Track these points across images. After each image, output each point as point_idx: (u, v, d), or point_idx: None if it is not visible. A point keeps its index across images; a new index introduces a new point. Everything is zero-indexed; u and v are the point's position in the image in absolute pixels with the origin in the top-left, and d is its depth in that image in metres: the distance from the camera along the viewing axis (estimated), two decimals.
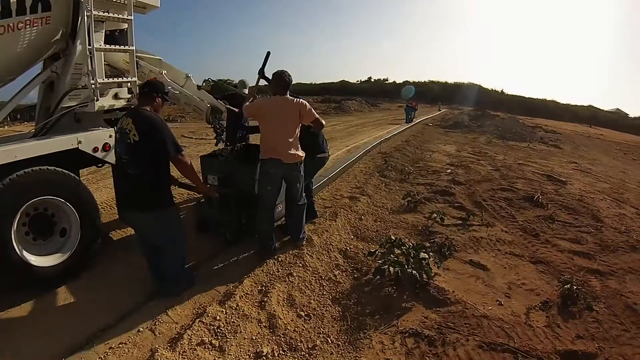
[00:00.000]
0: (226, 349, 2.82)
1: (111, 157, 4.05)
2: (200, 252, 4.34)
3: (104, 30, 4.20)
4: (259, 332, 3.01)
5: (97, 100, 3.95)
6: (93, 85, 3.87)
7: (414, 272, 3.53)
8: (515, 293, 3.70)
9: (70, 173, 3.76)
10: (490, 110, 37.79)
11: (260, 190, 4.24)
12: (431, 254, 3.90)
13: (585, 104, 66.13)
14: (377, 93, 61.70)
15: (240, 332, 2.99)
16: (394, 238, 4.12)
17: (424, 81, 75.75)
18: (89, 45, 3.77)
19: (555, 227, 5.53)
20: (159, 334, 3.02)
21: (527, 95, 68.29)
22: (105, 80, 4.07)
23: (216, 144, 5.33)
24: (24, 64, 4.00)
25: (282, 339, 2.95)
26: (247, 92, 5.91)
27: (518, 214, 6.05)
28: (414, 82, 70.91)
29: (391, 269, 3.57)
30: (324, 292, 3.61)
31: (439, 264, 3.96)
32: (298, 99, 4.12)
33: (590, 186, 8.62)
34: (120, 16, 4.08)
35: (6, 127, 17.70)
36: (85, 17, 3.72)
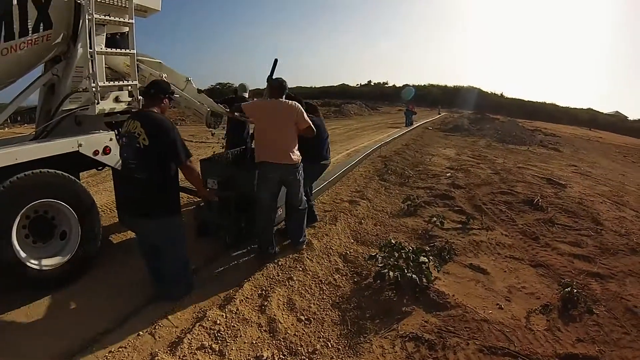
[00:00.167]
0: (226, 353, 2.81)
1: (111, 160, 4.06)
2: (200, 255, 4.32)
3: (105, 34, 4.20)
4: (259, 336, 3.01)
5: (98, 103, 3.95)
6: (94, 89, 3.87)
7: (414, 276, 3.53)
8: (516, 297, 3.70)
9: (70, 176, 3.76)
10: (489, 113, 37.89)
11: (257, 194, 4.24)
12: (431, 257, 3.91)
13: (585, 107, 66.32)
14: (376, 96, 61.94)
15: (241, 336, 2.98)
16: (394, 242, 4.12)
17: (424, 84, 75.99)
18: (90, 48, 3.76)
19: (555, 230, 5.54)
20: (159, 337, 3.01)
21: (526, 99, 68.51)
22: (106, 83, 4.07)
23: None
24: (25, 68, 4.00)
25: (282, 343, 2.94)
26: (247, 96, 5.93)
27: (518, 217, 6.05)
28: (413, 85, 71.07)
29: (391, 273, 3.57)
30: (324, 296, 3.61)
31: (439, 268, 3.97)
32: (294, 102, 4.15)
33: (590, 189, 8.64)
34: (122, 20, 4.08)
35: (6, 128, 17.72)
36: (87, 21, 3.71)
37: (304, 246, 4.52)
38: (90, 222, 3.88)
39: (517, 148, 15.90)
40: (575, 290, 3.57)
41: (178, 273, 3.53)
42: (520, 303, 3.58)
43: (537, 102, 67.33)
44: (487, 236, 5.13)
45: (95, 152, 3.93)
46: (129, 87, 4.34)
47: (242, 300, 3.44)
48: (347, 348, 2.92)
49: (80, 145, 3.79)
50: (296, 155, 4.13)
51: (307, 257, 4.28)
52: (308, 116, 4.21)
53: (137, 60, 4.39)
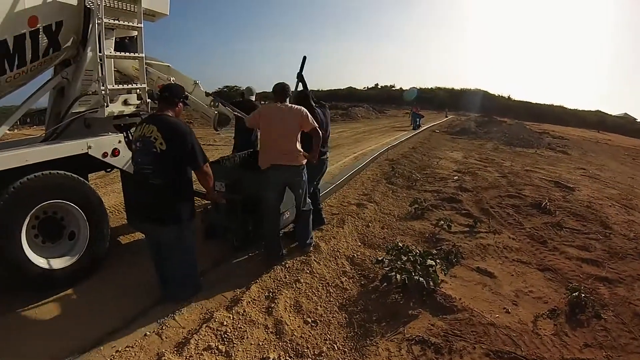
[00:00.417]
0: (233, 354, 2.82)
1: (120, 162, 4.10)
2: (208, 257, 4.34)
3: (114, 38, 4.24)
4: (265, 338, 3.02)
5: (107, 106, 3.99)
6: (103, 92, 3.91)
7: (421, 279, 3.53)
8: (523, 301, 3.68)
9: (79, 177, 3.81)
10: (497, 116, 37.71)
11: (263, 199, 4.26)
12: (438, 261, 3.90)
13: (593, 109, 65.90)
14: (384, 99, 61.91)
15: (247, 337, 2.99)
16: (401, 245, 4.13)
17: (431, 87, 75.93)
18: (100, 52, 3.81)
19: (563, 234, 5.50)
20: (166, 338, 3.03)
21: (534, 101, 68.18)
22: (115, 86, 4.11)
23: None
24: (31, 78, 4.07)
25: (289, 345, 2.95)
26: (254, 99, 5.94)
27: (525, 220, 6.02)
28: (420, 88, 71.09)
29: (398, 276, 3.57)
30: (331, 299, 3.61)
31: (446, 272, 3.95)
32: (299, 107, 4.18)
33: (599, 192, 8.57)
34: (130, 24, 4.12)
35: (16, 130, 17.87)
36: (96, 25, 3.76)
37: (311, 248, 4.53)
38: (98, 223, 3.93)
39: (525, 151, 15.81)
40: (583, 295, 3.56)
41: (187, 275, 3.53)
42: (527, 307, 3.56)
43: (544, 104, 67.01)
44: (494, 240, 5.10)
45: (104, 154, 3.97)
46: (138, 90, 4.38)
47: (249, 302, 3.45)
48: (353, 351, 2.93)
49: (89, 147, 3.84)
50: (301, 157, 4.16)
51: (314, 259, 4.28)
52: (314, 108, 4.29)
53: (145, 64, 4.43)
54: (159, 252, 3.51)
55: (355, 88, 78.72)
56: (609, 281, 4.14)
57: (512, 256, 4.66)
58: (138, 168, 3.29)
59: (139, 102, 4.44)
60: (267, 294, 3.64)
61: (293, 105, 4.19)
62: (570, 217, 6.26)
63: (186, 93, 4.01)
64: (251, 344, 2.94)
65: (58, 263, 3.68)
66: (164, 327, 3.14)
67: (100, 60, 3.84)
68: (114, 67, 4.35)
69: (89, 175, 4.58)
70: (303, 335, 3.08)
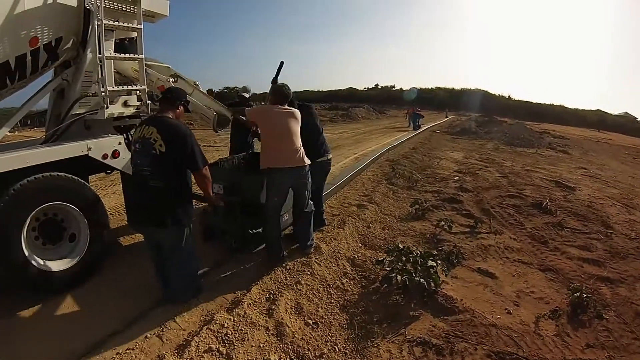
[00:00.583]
0: (233, 357, 2.81)
1: (120, 164, 4.10)
2: (208, 259, 4.34)
3: (114, 39, 4.24)
4: (266, 340, 3.01)
5: (107, 107, 3.99)
6: (103, 93, 3.92)
7: (421, 280, 3.52)
8: (524, 301, 3.67)
9: (79, 179, 3.81)
10: (497, 116, 37.76)
11: (267, 201, 4.23)
12: (439, 262, 3.89)
13: (593, 109, 65.93)
14: (384, 100, 62.06)
15: (248, 339, 2.99)
16: (401, 246, 4.12)
17: (431, 87, 76.15)
18: (100, 53, 3.81)
19: (564, 234, 5.49)
20: (167, 340, 3.02)
21: (534, 101, 68.27)
22: (115, 88, 4.11)
23: None
24: (34, 79, 4.08)
25: (290, 347, 2.94)
26: (247, 96, 5.96)
27: (526, 221, 6.01)
28: (420, 88, 71.28)
29: (399, 277, 3.56)
30: (332, 300, 3.60)
31: (447, 272, 3.96)
32: (295, 109, 4.24)
33: (600, 192, 8.56)
34: (130, 25, 4.12)
35: (16, 132, 17.91)
36: (96, 26, 3.76)
37: (312, 250, 4.51)
38: (98, 225, 3.93)
39: (526, 151, 15.82)
40: (584, 295, 3.54)
41: (187, 278, 3.53)
42: (529, 308, 3.55)
43: (545, 104, 67.12)
44: (495, 240, 5.09)
45: (105, 156, 3.97)
46: (138, 92, 4.38)
47: (250, 304, 3.44)
48: (354, 352, 2.92)
49: (89, 149, 3.83)
50: (306, 158, 4.17)
51: (315, 261, 4.27)
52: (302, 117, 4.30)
53: (145, 65, 4.43)
54: (159, 254, 3.50)
55: (355, 88, 79.07)
56: (610, 281, 4.13)
57: (513, 256, 4.65)
58: (137, 170, 3.26)
59: (139, 103, 4.43)
60: (267, 295, 3.63)
61: (291, 108, 4.23)
62: (571, 217, 6.25)
63: (187, 97, 4.02)
64: (252, 346, 2.93)
65: (58, 265, 3.68)
66: (164, 329, 3.13)
67: (100, 61, 3.84)
68: (114, 69, 4.35)
69: (90, 177, 4.58)
70: (304, 337, 3.07)
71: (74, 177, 3.73)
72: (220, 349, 2.88)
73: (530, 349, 2.94)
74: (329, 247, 4.66)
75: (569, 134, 30.42)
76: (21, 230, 3.37)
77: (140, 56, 4.25)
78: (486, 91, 72.36)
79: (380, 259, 4.03)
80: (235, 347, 2.90)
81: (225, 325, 3.12)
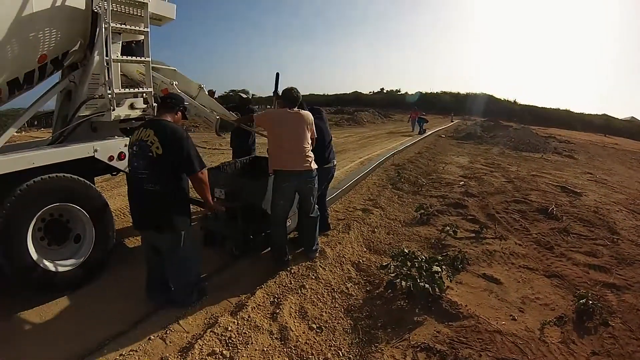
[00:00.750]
0: None
1: (125, 166, 4.11)
2: (212, 262, 4.35)
3: (120, 42, 4.26)
4: (270, 344, 3.00)
5: (114, 110, 4.01)
6: (110, 95, 3.94)
7: (426, 285, 3.50)
8: (529, 308, 3.65)
9: (85, 180, 3.82)
10: (502, 120, 37.67)
11: (273, 204, 4.23)
12: (444, 267, 3.87)
13: (599, 113, 65.74)
14: (389, 104, 62.17)
15: (252, 343, 2.98)
16: (406, 251, 4.10)
17: (436, 92, 76.28)
18: (107, 56, 3.83)
19: (570, 239, 5.47)
20: (170, 342, 3.02)
21: (539, 105, 68.17)
22: (122, 90, 4.13)
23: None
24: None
25: (293, 351, 2.93)
26: (244, 96, 5.98)
27: (532, 226, 5.98)
28: (425, 92, 71.49)
29: (403, 282, 3.56)
30: (336, 305, 3.60)
31: (452, 278, 3.94)
32: (307, 112, 4.24)
33: (606, 197, 8.52)
34: (137, 28, 4.14)
35: (23, 132, 18.00)
36: (103, 29, 3.79)
37: (317, 254, 4.50)
38: (104, 226, 3.95)
39: (531, 155, 15.77)
40: (590, 302, 3.53)
41: (187, 281, 3.50)
42: (534, 314, 3.53)
43: (550, 108, 67.01)
44: (500, 246, 5.07)
45: (110, 158, 3.99)
46: (144, 94, 4.40)
47: (254, 308, 3.44)
48: (358, 357, 2.91)
49: (95, 150, 3.86)
50: (314, 163, 4.16)
51: (320, 265, 4.26)
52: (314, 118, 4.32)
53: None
54: (157, 258, 3.47)
55: (361, 92, 79.39)
56: (616, 288, 4.10)
57: (518, 262, 4.63)
58: (134, 173, 3.25)
59: (145, 106, 4.45)
60: (272, 299, 3.63)
61: (303, 111, 4.22)
62: (577, 222, 6.21)
63: (191, 100, 4.05)
64: (256, 350, 2.92)
65: (63, 265, 3.70)
66: (168, 332, 3.13)
67: (107, 64, 3.86)
68: (120, 71, 4.37)
69: (95, 178, 4.60)
70: (308, 341, 3.06)
71: (80, 178, 3.76)
72: (224, 352, 2.87)
73: (535, 356, 2.92)
74: (334, 251, 4.66)
75: (575, 138, 30.29)
76: (27, 230, 3.39)
77: (147, 59, 4.27)
78: (491, 95, 72.39)
79: (385, 264, 4.03)
80: (239, 350, 2.90)
81: (229, 328, 3.12)
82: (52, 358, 2.87)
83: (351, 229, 5.45)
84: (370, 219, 5.99)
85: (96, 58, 4.09)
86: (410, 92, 76.07)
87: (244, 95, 6.08)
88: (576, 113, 65.21)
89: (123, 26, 4.03)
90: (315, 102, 4.95)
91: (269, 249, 4.57)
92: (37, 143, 4.73)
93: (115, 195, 6.91)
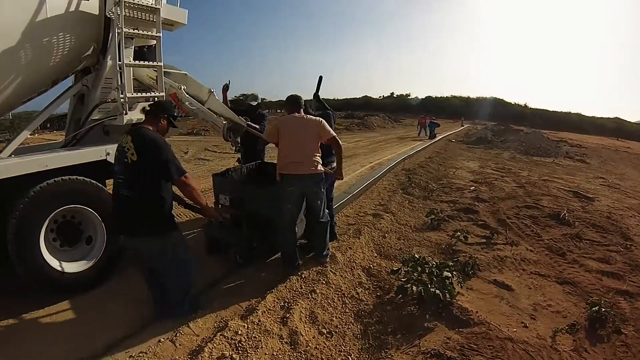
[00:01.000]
0: None
1: None
2: (222, 266, 4.37)
3: (133, 47, 4.30)
4: (280, 348, 3.00)
5: (126, 113, 4.04)
6: (122, 99, 3.97)
7: (437, 291, 3.47)
8: (541, 315, 3.61)
9: (97, 183, 3.87)
10: (513, 124, 37.43)
11: (282, 209, 4.22)
12: (454, 273, 3.84)
13: (611, 116, 65.15)
14: (399, 108, 62.20)
15: (262, 347, 2.97)
16: (417, 256, 4.08)
17: (446, 96, 76.14)
18: (119, 60, 3.87)
19: (582, 246, 5.40)
20: (180, 345, 3.04)
21: (550, 109, 67.74)
22: (134, 94, 4.16)
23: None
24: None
25: (303, 356, 2.93)
26: (254, 104, 5.94)
27: (544, 232, 5.93)
28: (436, 97, 71.42)
29: (414, 287, 3.53)
30: (347, 310, 3.58)
31: (462, 284, 3.90)
32: (315, 117, 4.24)
33: (619, 202, 8.42)
34: (149, 33, 4.18)
35: (36, 134, 18.22)
36: (116, 34, 3.83)
37: (328, 259, 4.49)
38: None
39: (542, 160, 15.67)
40: (603, 309, 3.48)
41: (179, 293, 3.39)
42: (545, 322, 3.49)
43: (561, 112, 66.52)
44: (511, 251, 5.02)
45: None
46: (156, 98, 4.43)
47: (265, 312, 3.44)
48: None
49: (108, 154, 3.90)
50: (319, 166, 4.16)
51: (330, 270, 4.24)
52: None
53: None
54: (150, 271, 3.41)
55: (371, 97, 79.42)
56: (630, 295, 4.04)
57: (530, 268, 4.58)
58: (114, 177, 3.23)
59: None
60: (282, 303, 3.63)
61: (309, 116, 4.25)
62: (589, 228, 6.14)
63: (177, 113, 4.07)
64: (265, 354, 2.92)
65: (75, 267, 3.75)
66: (178, 334, 3.15)
67: (120, 68, 3.90)
68: (132, 76, 4.41)
69: (107, 181, 4.64)
70: (318, 346, 3.05)
71: (92, 181, 3.80)
72: (234, 356, 2.87)
73: None
74: (345, 256, 4.64)
75: (587, 142, 30.04)
76: (40, 231, 3.45)
77: (159, 63, 4.30)
78: (501, 99, 72.08)
79: (395, 269, 4.01)
80: (249, 354, 2.90)
81: (239, 332, 3.12)
82: (62, 358, 2.90)
83: (362, 234, 5.43)
84: (381, 224, 5.98)
85: (109, 62, 4.15)
86: (420, 97, 76.30)
87: (253, 103, 6.02)
88: (587, 116, 64.77)
89: (135, 31, 4.07)
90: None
91: (274, 257, 4.59)
92: (50, 145, 4.80)
93: None
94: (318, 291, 3.83)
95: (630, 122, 63.89)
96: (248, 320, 3.28)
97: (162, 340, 3.07)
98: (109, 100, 4.25)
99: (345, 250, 4.83)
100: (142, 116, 4.20)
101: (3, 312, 3.42)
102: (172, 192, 3.30)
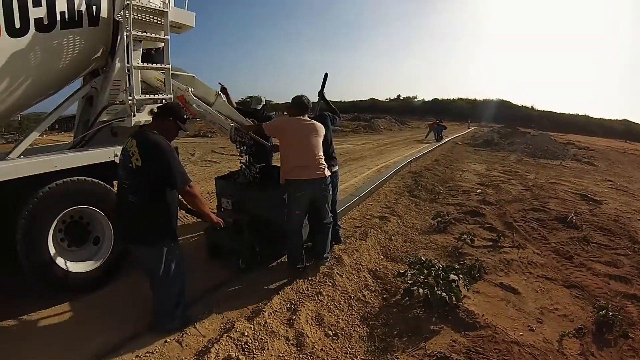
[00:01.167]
0: None
1: None
2: (226, 271, 4.37)
3: (141, 49, 4.33)
4: (286, 350, 3.00)
5: (134, 115, 4.07)
6: (130, 101, 3.99)
7: (443, 294, 3.47)
8: (548, 318, 3.59)
9: (105, 184, 3.90)
10: (520, 127, 37.23)
11: (288, 214, 4.22)
12: (461, 275, 3.83)
13: (620, 118, 64.68)
14: (405, 111, 62.16)
15: (268, 349, 2.98)
16: (423, 259, 4.08)
17: (452, 98, 76.03)
18: (128, 63, 3.90)
19: (589, 249, 5.37)
20: (186, 346, 3.06)
21: (558, 111, 67.37)
22: (142, 96, 4.19)
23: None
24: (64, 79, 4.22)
25: (309, 358, 2.93)
26: (259, 108, 5.92)
27: (550, 235, 5.90)
28: (442, 99, 71.36)
29: (420, 290, 3.53)
30: (353, 312, 3.59)
31: (469, 287, 3.88)
32: (320, 124, 4.25)
33: (627, 205, 8.35)
34: (157, 36, 4.20)
35: (44, 136, 18.36)
36: (125, 37, 3.86)
37: (328, 262, 4.46)
38: None
39: (550, 163, 15.58)
40: (610, 313, 3.46)
41: (172, 305, 3.27)
42: (552, 325, 3.47)
43: (568, 114, 66.13)
44: (518, 254, 5.01)
45: None
46: (164, 100, 4.45)
47: (271, 313, 3.45)
48: None
49: (116, 155, 3.93)
50: (325, 169, 4.17)
51: (337, 272, 4.24)
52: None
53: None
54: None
55: (377, 99, 79.45)
56: (637, 299, 4.01)
57: (536, 272, 4.56)
58: (119, 182, 3.16)
59: None
60: (288, 305, 3.63)
61: (314, 121, 4.24)
62: (597, 231, 6.10)
63: (192, 107, 4.07)
64: (271, 355, 2.92)
65: (82, 267, 3.80)
66: (184, 335, 3.17)
67: (128, 71, 3.93)
68: (140, 78, 4.44)
69: (114, 182, 4.68)
70: (324, 348, 3.05)
71: (100, 181, 3.83)
72: (240, 357, 2.88)
73: None
74: (351, 258, 4.64)
75: (595, 144, 29.79)
76: (48, 231, 3.49)
77: (167, 66, 4.33)
78: (508, 101, 71.80)
79: (402, 272, 4.00)
80: (255, 356, 2.91)
81: (246, 333, 3.13)
82: (69, 358, 2.93)
83: (368, 236, 5.43)
84: (387, 226, 5.97)
85: (117, 65, 4.19)
86: (426, 99, 76.33)
87: (258, 107, 5.97)
88: (595, 118, 64.34)
89: (144, 34, 4.10)
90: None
91: (276, 262, 4.60)
92: (58, 147, 4.84)
93: None
94: (324, 293, 3.83)
95: (638, 124, 63.34)
96: (254, 322, 3.29)
97: (169, 340, 3.09)
98: (117, 102, 4.28)
99: (351, 252, 4.83)
100: (150, 118, 4.24)
101: (9, 311, 3.45)
102: (177, 197, 3.23)
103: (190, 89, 4.68)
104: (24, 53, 3.44)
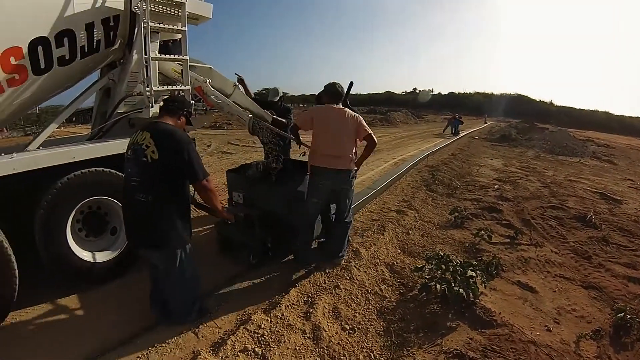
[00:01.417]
0: (269, 358, 2.82)
1: None
2: (237, 265, 4.34)
3: (158, 41, 4.34)
4: (302, 343, 3.00)
5: (152, 107, 4.07)
6: (148, 93, 4.00)
7: (460, 290, 3.43)
8: (565, 319, 3.54)
9: (123, 175, 3.91)
10: (538, 122, 36.71)
11: (306, 204, 4.18)
12: (478, 272, 3.77)
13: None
14: (421, 104, 61.75)
15: (284, 341, 2.98)
16: (441, 254, 4.04)
17: (469, 92, 75.30)
18: (145, 54, 3.90)
19: (609, 249, 5.27)
20: (202, 337, 3.08)
21: (577, 107, 66.29)
22: (160, 88, 4.20)
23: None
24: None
25: (325, 352, 2.93)
26: (276, 100, 5.87)
27: (569, 234, 5.80)
28: (459, 93, 70.67)
29: (438, 286, 3.49)
30: (370, 306, 3.57)
31: (486, 284, 3.83)
32: (355, 114, 4.14)
33: None
34: (175, 27, 4.20)
35: (62, 128, 18.60)
36: (142, 29, 3.86)
37: (342, 262, 4.38)
38: None
39: (568, 160, 15.37)
40: (628, 316, 3.39)
41: (186, 301, 3.22)
42: (569, 326, 3.42)
43: (588, 110, 65.02)
44: (536, 253, 4.93)
45: None
46: (181, 92, 4.46)
47: (288, 306, 3.45)
48: None
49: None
50: (352, 162, 4.09)
51: (354, 265, 4.23)
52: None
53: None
54: (154, 272, 3.24)
55: (393, 92, 79.10)
56: None
57: (554, 271, 4.49)
58: (126, 180, 2.98)
59: None
60: (306, 298, 3.63)
61: (349, 110, 4.12)
62: (616, 231, 5.99)
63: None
64: (288, 349, 2.92)
65: (99, 257, 3.84)
66: (200, 326, 3.19)
67: (146, 62, 3.92)
68: (158, 69, 4.45)
69: None
70: (340, 342, 3.05)
71: (118, 172, 3.84)
72: (256, 349, 2.89)
73: None
74: (369, 252, 4.63)
75: (615, 142, 29.28)
76: (67, 221, 3.53)
77: (185, 57, 4.33)
78: (526, 96, 70.83)
79: (419, 266, 3.96)
80: (271, 348, 2.91)
81: (262, 326, 3.14)
82: (86, 346, 2.97)
83: (386, 230, 5.41)
84: (404, 220, 5.94)
85: (135, 56, 4.20)
86: (443, 93, 75.70)
87: (275, 99, 5.92)
88: (616, 115, 63.20)
89: (161, 25, 4.09)
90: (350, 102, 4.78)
91: (287, 258, 4.55)
92: (76, 138, 4.88)
93: None
94: (342, 287, 3.83)
95: None
96: (271, 315, 3.30)
97: (185, 332, 3.11)
98: (135, 93, 4.29)
99: (369, 246, 4.82)
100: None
101: (29, 301, 3.48)
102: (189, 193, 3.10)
103: (208, 80, 4.67)
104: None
